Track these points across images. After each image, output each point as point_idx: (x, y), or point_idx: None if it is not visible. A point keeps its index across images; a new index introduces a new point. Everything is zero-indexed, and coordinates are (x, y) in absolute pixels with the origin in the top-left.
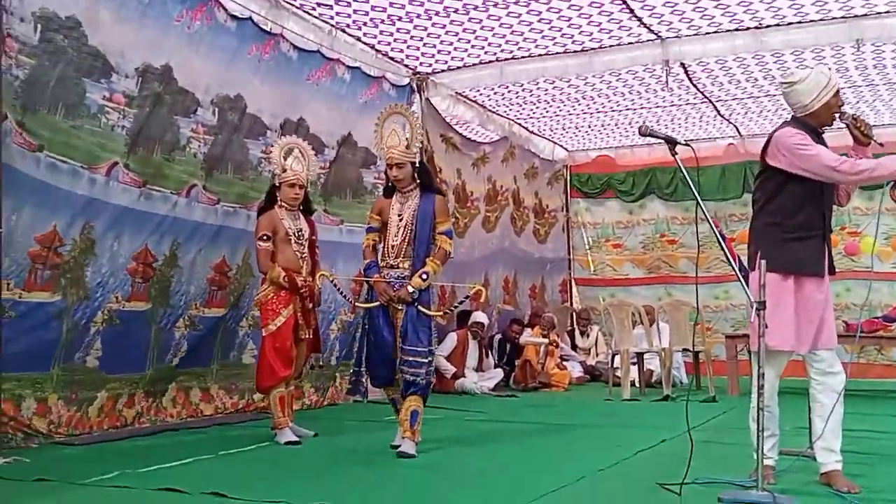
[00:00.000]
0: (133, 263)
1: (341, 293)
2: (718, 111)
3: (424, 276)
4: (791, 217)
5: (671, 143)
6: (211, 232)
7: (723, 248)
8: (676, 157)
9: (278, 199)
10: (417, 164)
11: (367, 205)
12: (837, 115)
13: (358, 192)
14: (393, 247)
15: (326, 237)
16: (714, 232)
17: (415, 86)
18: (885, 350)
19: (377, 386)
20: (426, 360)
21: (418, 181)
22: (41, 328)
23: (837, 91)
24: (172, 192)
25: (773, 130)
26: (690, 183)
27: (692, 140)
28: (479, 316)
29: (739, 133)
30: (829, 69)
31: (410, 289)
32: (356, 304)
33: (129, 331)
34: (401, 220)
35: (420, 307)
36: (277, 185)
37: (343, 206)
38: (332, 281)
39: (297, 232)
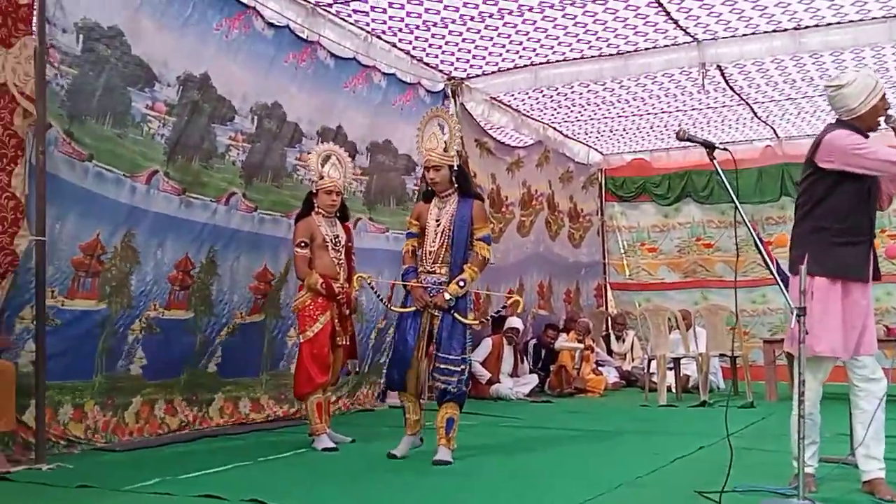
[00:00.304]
0: (174, 271)
1: (377, 295)
2: (755, 113)
3: (462, 284)
4: (840, 221)
5: (709, 147)
6: (250, 239)
7: (761, 252)
8: (715, 161)
9: (315, 205)
10: (456, 168)
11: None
12: (883, 118)
13: (401, 199)
14: (430, 252)
15: (371, 245)
16: (752, 235)
17: (449, 91)
18: None
19: (391, 388)
20: (459, 368)
21: (456, 185)
22: (84, 336)
23: (884, 95)
24: (212, 199)
25: (822, 133)
26: (728, 186)
27: (728, 143)
28: (514, 321)
29: (777, 135)
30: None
31: (447, 296)
32: (391, 307)
33: (168, 339)
34: (438, 225)
35: (456, 315)
36: (315, 191)
37: (387, 213)
38: (368, 283)
39: (334, 238)
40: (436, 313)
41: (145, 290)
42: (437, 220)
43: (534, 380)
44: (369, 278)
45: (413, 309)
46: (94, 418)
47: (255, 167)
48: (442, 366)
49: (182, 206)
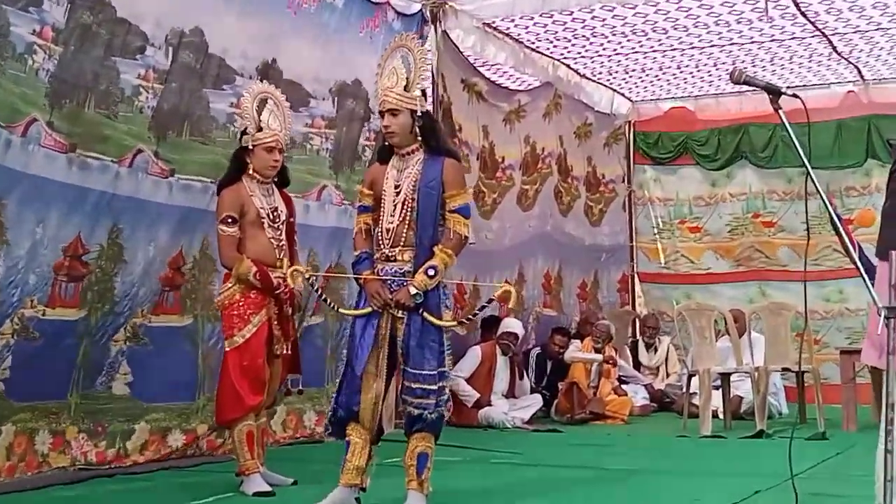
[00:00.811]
0: (61, 257)
1: (320, 294)
2: (835, 48)
3: (431, 272)
4: None
5: (773, 93)
6: (163, 213)
7: (839, 233)
8: (781, 111)
9: (249, 167)
10: (420, 115)
11: (359, 174)
12: None
13: (352, 159)
14: (388, 231)
15: (338, 222)
16: (829, 210)
17: (428, 14)
18: None
19: (335, 420)
20: (435, 387)
21: (421, 139)
22: None
23: None
24: (113, 160)
25: None
26: (798, 146)
27: (799, 87)
28: (511, 324)
29: (862, 77)
30: None
31: (413, 290)
32: (341, 310)
33: (48, 346)
34: (398, 193)
35: (427, 315)
36: (251, 147)
37: (358, 179)
38: (308, 279)
39: (273, 212)
40: (399, 315)
41: (15, 282)
42: (395, 187)
43: (537, 401)
44: (307, 271)
45: (368, 311)
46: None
47: (169, 116)
48: (413, 385)
49: (72, 167)
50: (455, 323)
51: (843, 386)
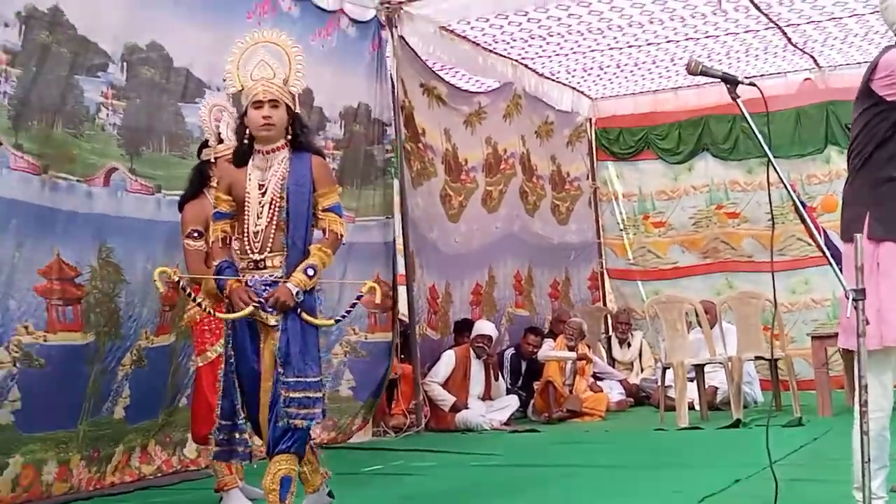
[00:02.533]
0: (44, 280)
1: (191, 297)
2: (789, 39)
3: (311, 272)
4: None
5: (731, 82)
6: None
7: (804, 220)
8: (739, 100)
9: (212, 180)
10: (296, 112)
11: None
12: None
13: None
14: (256, 234)
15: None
16: (793, 198)
17: (383, 19)
18: None
19: (220, 438)
20: (320, 395)
21: (289, 137)
22: None
23: None
24: (79, 179)
25: (877, 56)
26: (758, 135)
27: (755, 77)
28: (485, 327)
29: (818, 65)
30: None
31: (293, 287)
32: (217, 314)
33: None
34: (263, 194)
35: (305, 315)
36: (213, 161)
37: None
38: (177, 280)
39: None
40: (272, 320)
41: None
42: (260, 188)
43: (513, 402)
44: (174, 272)
45: (246, 312)
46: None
47: (138, 132)
48: (299, 395)
49: (46, 189)
50: (332, 322)
51: (816, 371)
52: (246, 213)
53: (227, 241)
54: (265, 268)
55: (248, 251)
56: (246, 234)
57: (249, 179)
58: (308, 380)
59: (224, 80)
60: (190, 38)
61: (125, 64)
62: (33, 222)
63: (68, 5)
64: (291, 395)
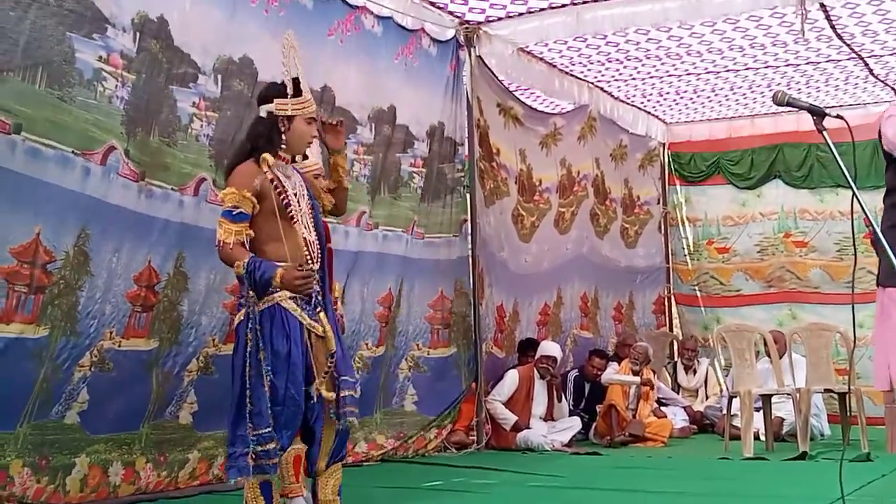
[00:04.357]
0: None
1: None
2: (871, 70)
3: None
4: None
5: (818, 114)
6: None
7: (886, 252)
8: (825, 133)
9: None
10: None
11: (405, 200)
12: None
13: (395, 185)
14: (310, 244)
15: (369, 248)
16: (875, 229)
17: (462, 39)
18: None
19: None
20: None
21: None
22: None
23: None
24: (173, 188)
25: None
26: (843, 166)
27: (835, 107)
28: (550, 348)
29: None
30: None
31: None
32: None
33: (122, 378)
34: (299, 202)
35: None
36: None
37: (385, 204)
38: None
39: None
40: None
41: (93, 313)
42: (296, 196)
43: (575, 424)
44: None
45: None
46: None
47: (225, 144)
48: (351, 393)
49: (142, 196)
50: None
51: (886, 406)
52: (294, 220)
53: (245, 246)
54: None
55: (308, 260)
56: (302, 244)
57: (286, 186)
58: (352, 380)
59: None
60: (274, 52)
61: (219, 76)
62: (131, 229)
63: (171, 16)
64: (348, 393)
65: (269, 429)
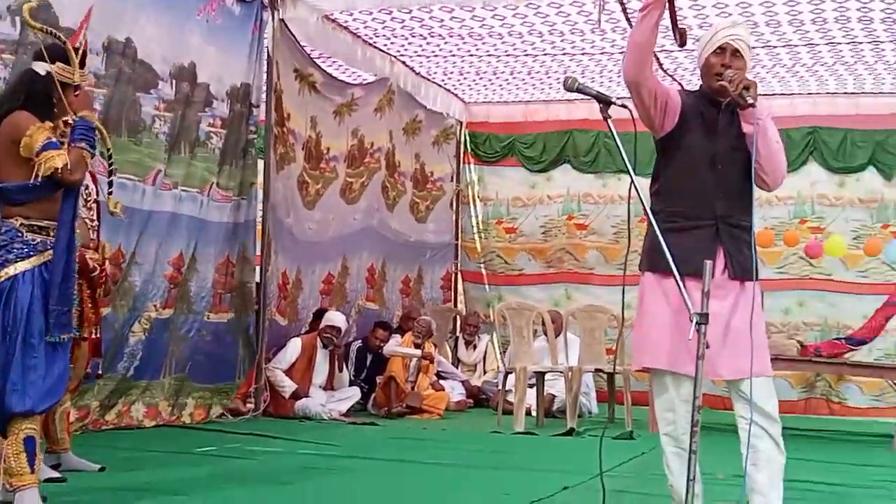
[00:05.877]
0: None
1: None
2: (660, 64)
3: None
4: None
5: (603, 102)
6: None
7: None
8: (610, 121)
9: None
10: None
11: (202, 161)
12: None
13: (194, 145)
14: None
15: (165, 208)
16: (648, 215)
17: (266, 1)
18: (838, 383)
19: None
20: None
21: None
22: None
23: (721, 49)
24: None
25: None
26: (623, 153)
27: (627, 98)
28: (335, 318)
29: (684, 89)
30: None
31: None
32: None
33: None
34: None
35: None
36: None
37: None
38: None
39: (84, 192)
40: None
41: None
42: None
43: (355, 394)
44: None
45: None
46: None
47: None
48: None
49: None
50: None
51: (650, 389)
52: None
53: None
54: None
55: None
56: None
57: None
58: None
59: None
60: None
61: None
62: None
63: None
64: None
65: None
